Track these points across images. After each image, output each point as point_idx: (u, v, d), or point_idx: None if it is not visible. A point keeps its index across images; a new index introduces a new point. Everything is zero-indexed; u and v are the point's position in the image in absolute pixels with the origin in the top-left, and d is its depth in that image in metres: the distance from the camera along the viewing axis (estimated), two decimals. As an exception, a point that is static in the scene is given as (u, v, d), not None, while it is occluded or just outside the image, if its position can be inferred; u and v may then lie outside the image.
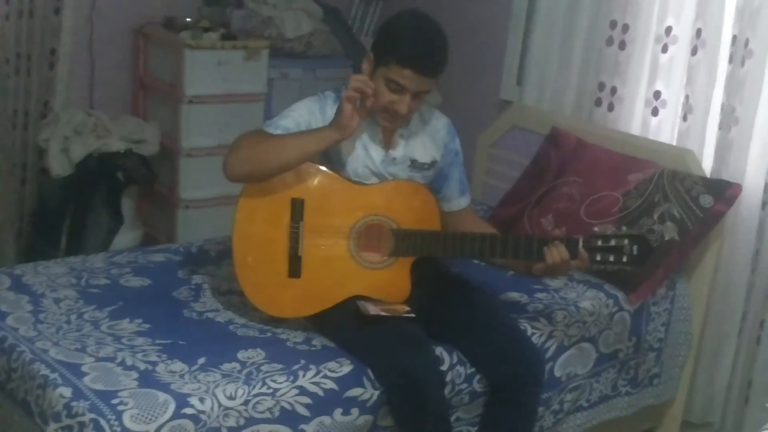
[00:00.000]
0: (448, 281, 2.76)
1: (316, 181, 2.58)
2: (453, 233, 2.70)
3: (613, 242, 2.50)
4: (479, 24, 4.19)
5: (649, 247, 2.53)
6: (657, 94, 3.41)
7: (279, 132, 2.54)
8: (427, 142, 2.72)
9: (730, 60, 3.15)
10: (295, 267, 2.56)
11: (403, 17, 2.63)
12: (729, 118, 3.17)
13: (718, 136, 3.22)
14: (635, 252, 2.49)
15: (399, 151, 2.67)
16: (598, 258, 2.52)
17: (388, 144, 2.66)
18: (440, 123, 2.77)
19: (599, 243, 2.51)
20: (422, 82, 2.52)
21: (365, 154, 2.63)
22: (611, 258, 2.51)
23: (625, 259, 2.50)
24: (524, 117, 3.75)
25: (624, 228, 2.55)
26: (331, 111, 2.58)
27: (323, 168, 2.60)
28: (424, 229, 2.61)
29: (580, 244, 2.51)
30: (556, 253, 2.50)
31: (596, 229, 2.56)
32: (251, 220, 2.56)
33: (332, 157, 2.62)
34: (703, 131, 3.29)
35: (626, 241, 2.50)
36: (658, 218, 3.07)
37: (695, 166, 3.21)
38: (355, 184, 2.61)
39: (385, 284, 2.60)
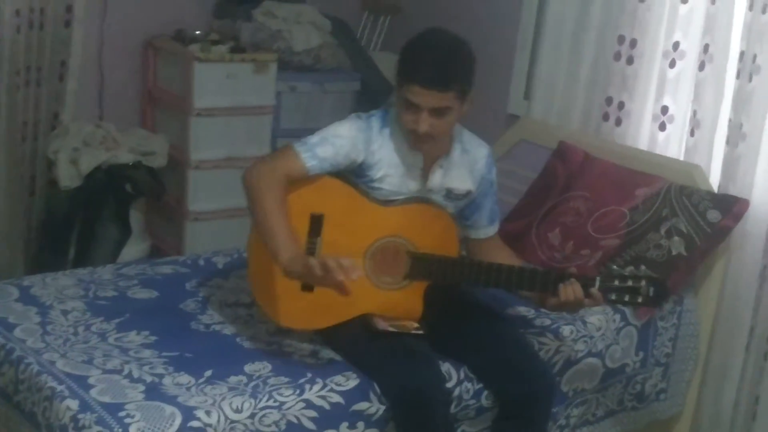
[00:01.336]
0: (459, 300, 2.74)
1: (337, 198, 2.57)
2: (469, 261, 2.69)
3: (630, 282, 2.49)
4: (487, 38, 4.19)
5: (666, 290, 2.53)
6: (664, 109, 3.41)
7: (314, 163, 2.49)
8: (465, 173, 2.69)
9: (738, 75, 3.15)
10: None
11: (418, 36, 2.57)
12: (736, 134, 3.16)
13: (726, 152, 3.22)
14: (651, 293, 2.48)
15: (436, 181, 2.64)
16: (614, 297, 2.51)
17: (426, 174, 2.63)
18: (480, 153, 2.72)
19: (616, 283, 2.50)
20: (434, 97, 2.46)
21: (402, 182, 2.61)
22: (626, 298, 2.50)
23: (640, 299, 2.50)
24: (532, 131, 3.76)
25: (643, 268, 2.53)
26: (376, 143, 2.57)
27: (347, 185, 2.59)
28: (441, 255, 2.59)
29: (597, 284, 2.50)
30: (571, 291, 2.49)
31: (615, 267, 2.55)
32: None
33: (366, 181, 2.59)
34: (710, 146, 3.29)
35: (643, 283, 2.49)
36: (666, 233, 3.06)
37: (703, 181, 3.21)
38: (377, 204, 2.60)
39: (397, 305, 2.59)
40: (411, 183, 2.62)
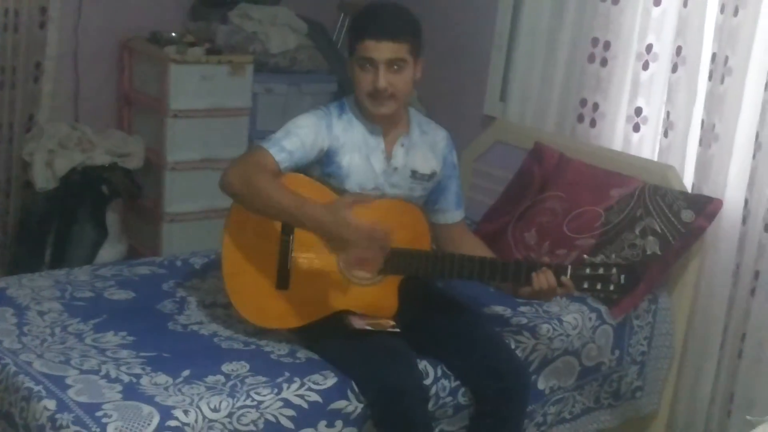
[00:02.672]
0: (435, 297, 2.77)
1: (309, 195, 2.58)
2: (442, 254, 2.71)
3: (601, 270, 2.53)
4: (463, 40, 4.22)
5: (637, 276, 2.56)
6: (638, 111, 3.44)
7: (283, 155, 2.52)
8: (427, 153, 2.74)
9: (710, 77, 3.18)
10: (283, 279, 2.57)
11: (365, 5, 2.70)
12: (709, 135, 3.20)
13: (699, 152, 3.25)
14: (623, 281, 2.52)
15: (399, 160, 2.69)
16: (586, 286, 2.55)
17: (389, 154, 2.68)
18: (439, 135, 2.80)
19: (588, 271, 2.53)
20: (387, 48, 2.54)
21: (367, 165, 2.65)
22: (598, 286, 2.54)
23: (612, 287, 2.53)
24: (507, 132, 3.78)
25: (613, 256, 2.57)
26: (337, 127, 2.62)
27: (317, 184, 2.61)
28: (414, 249, 2.61)
29: (569, 272, 2.53)
30: (544, 279, 2.52)
31: (585, 256, 2.58)
32: (241, 230, 2.57)
33: (333, 171, 2.63)
34: (684, 147, 3.33)
35: (614, 270, 2.52)
36: (640, 233, 3.09)
37: (676, 181, 3.24)
38: None
39: (373, 300, 2.60)
40: (376, 164, 2.66)
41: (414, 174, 2.71)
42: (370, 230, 2.42)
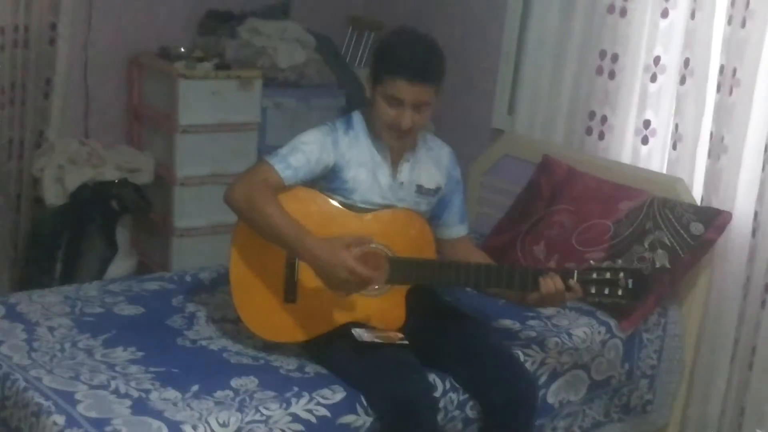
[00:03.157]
0: (442, 309, 2.77)
1: (314, 208, 2.60)
2: (448, 262, 2.71)
3: (608, 275, 2.51)
4: (471, 53, 4.23)
5: (645, 281, 2.54)
6: (647, 123, 3.44)
7: (288, 172, 2.53)
8: (432, 168, 2.75)
9: (718, 89, 3.18)
10: (290, 293, 2.57)
11: (392, 34, 2.70)
12: (718, 147, 3.19)
13: (708, 165, 3.25)
14: (630, 285, 2.50)
15: (405, 175, 2.69)
16: (593, 290, 2.52)
17: (395, 169, 2.68)
18: (444, 151, 2.81)
19: (594, 275, 2.52)
20: (418, 92, 2.53)
21: (373, 180, 2.65)
22: (606, 291, 2.52)
23: (620, 292, 2.51)
24: (516, 146, 3.78)
25: (620, 261, 2.55)
26: (343, 143, 2.62)
27: (322, 195, 2.62)
28: (419, 258, 2.62)
29: (575, 276, 2.52)
30: (551, 283, 2.51)
31: (592, 261, 2.57)
32: (249, 245, 2.57)
33: (338, 186, 2.63)
34: (692, 159, 3.32)
35: (621, 275, 2.50)
36: (649, 246, 3.09)
37: (685, 194, 3.23)
38: (353, 212, 2.63)
39: (380, 312, 2.60)
40: (382, 179, 2.66)
41: (419, 189, 2.71)
42: (366, 276, 2.43)
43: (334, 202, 2.63)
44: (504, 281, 2.60)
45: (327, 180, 2.63)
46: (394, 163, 2.69)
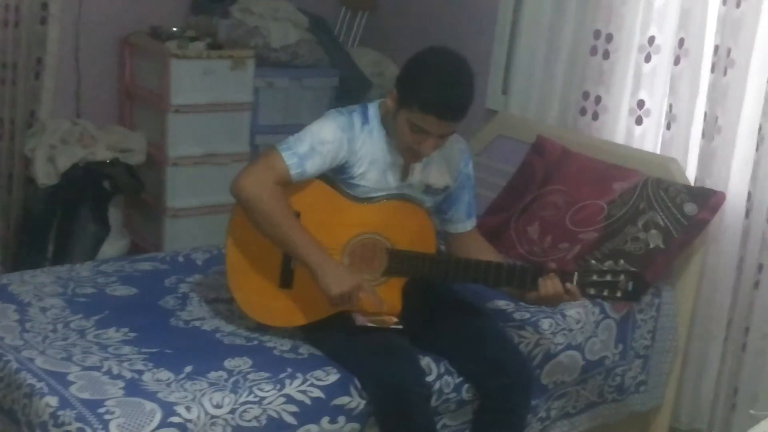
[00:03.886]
0: (438, 293, 2.75)
1: (314, 196, 2.57)
2: (447, 258, 2.70)
3: (609, 277, 2.50)
4: (464, 34, 4.21)
5: (645, 284, 2.54)
6: (641, 104, 3.43)
7: (298, 171, 2.48)
8: (443, 167, 2.68)
9: (713, 69, 3.17)
10: (286, 278, 2.56)
11: (428, 59, 2.51)
12: (712, 127, 3.19)
13: (702, 145, 3.24)
14: (630, 288, 2.49)
15: (416, 176, 2.64)
16: (592, 292, 2.52)
17: (406, 170, 2.63)
18: (456, 148, 2.71)
19: (595, 277, 2.50)
20: (447, 126, 2.47)
21: (382, 178, 2.60)
22: (605, 292, 2.51)
23: (619, 294, 2.50)
24: (509, 126, 3.77)
25: (622, 262, 2.54)
26: (358, 140, 2.55)
27: (323, 183, 2.58)
28: (418, 252, 2.60)
29: (575, 278, 2.51)
30: (551, 285, 2.49)
31: (593, 261, 2.56)
32: (245, 228, 2.55)
33: (345, 178, 2.59)
34: (686, 140, 3.32)
35: (622, 277, 2.49)
36: (643, 226, 3.09)
37: (679, 174, 3.23)
38: (354, 201, 2.60)
39: None
40: (390, 179, 2.62)
41: (428, 188, 2.67)
42: (353, 298, 2.45)
43: (337, 192, 2.59)
44: (503, 280, 2.59)
45: (333, 171, 2.58)
46: (406, 165, 2.62)
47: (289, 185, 2.51)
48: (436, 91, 2.43)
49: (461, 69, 2.50)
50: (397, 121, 2.51)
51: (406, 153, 2.55)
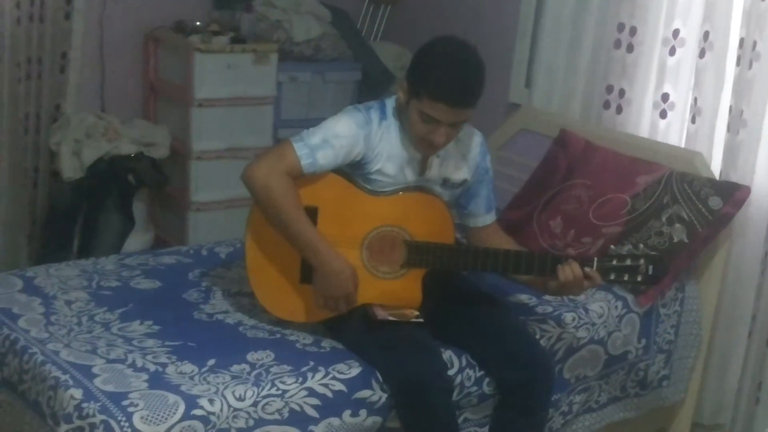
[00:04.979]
0: (459, 287, 2.75)
1: (331, 190, 2.57)
2: (465, 247, 2.70)
3: (629, 261, 2.50)
4: (487, 27, 4.20)
5: (665, 268, 2.53)
6: (665, 97, 3.41)
7: (309, 162, 2.48)
8: (460, 161, 2.67)
9: (738, 62, 3.15)
10: (307, 273, 2.56)
11: (436, 47, 2.50)
12: (737, 121, 3.17)
13: (727, 139, 3.22)
14: (651, 272, 2.49)
15: (434, 171, 2.63)
16: (612, 277, 2.52)
17: (424, 165, 2.62)
18: (473, 141, 2.70)
19: (615, 262, 2.51)
20: (457, 114, 2.45)
21: (399, 173, 2.60)
22: (626, 277, 2.51)
23: (639, 278, 2.50)
24: (533, 120, 3.76)
25: (641, 247, 2.54)
26: (375, 137, 2.55)
27: (340, 177, 2.58)
28: (437, 243, 2.59)
29: (595, 264, 2.51)
30: (569, 271, 2.49)
31: (612, 247, 2.56)
32: (265, 224, 2.55)
33: (361, 173, 2.58)
34: (711, 133, 3.30)
35: (642, 261, 2.49)
36: (667, 220, 3.07)
37: (704, 168, 3.21)
38: (371, 194, 2.60)
39: (397, 294, 2.59)
40: (408, 174, 2.61)
41: (445, 182, 2.66)
42: (348, 294, 2.50)
43: (353, 185, 2.59)
44: (522, 267, 2.58)
45: (350, 167, 2.58)
46: (424, 161, 2.61)
47: (300, 177, 2.50)
48: (444, 78, 2.43)
49: (469, 56, 2.49)
50: (409, 113, 2.50)
51: (420, 144, 2.54)
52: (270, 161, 2.49)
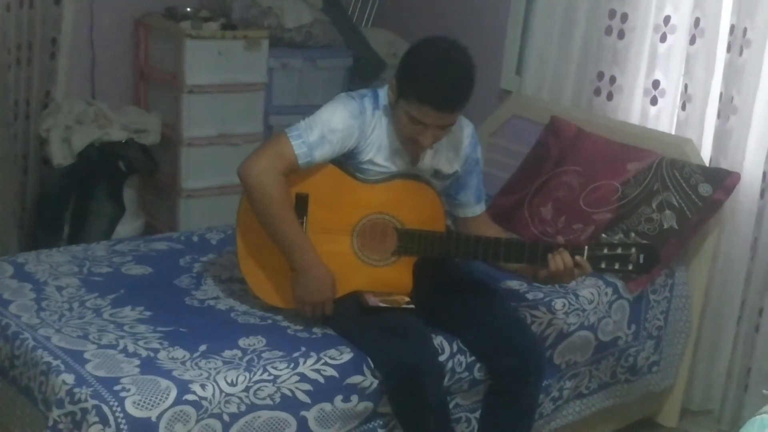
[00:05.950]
0: (450, 274, 2.76)
1: (323, 177, 2.57)
2: (457, 235, 2.70)
3: (619, 250, 2.51)
4: (479, 14, 4.20)
5: (656, 256, 2.54)
6: (656, 84, 3.42)
7: (306, 161, 2.48)
8: (451, 153, 2.67)
9: (729, 49, 3.16)
10: None
11: (426, 49, 2.49)
12: (727, 108, 3.18)
13: (717, 125, 3.23)
14: (641, 261, 2.50)
15: (426, 163, 2.64)
16: (603, 266, 2.53)
17: (415, 158, 2.62)
18: (464, 133, 2.70)
19: (605, 251, 2.52)
20: (445, 118, 2.45)
21: (390, 164, 2.60)
22: (616, 266, 2.52)
23: (630, 267, 2.51)
24: (524, 106, 3.77)
25: (633, 235, 2.54)
26: (368, 127, 2.54)
27: (331, 164, 2.58)
28: (428, 230, 2.60)
29: (585, 252, 2.51)
30: (560, 260, 2.50)
31: (603, 236, 2.56)
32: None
33: (353, 163, 2.58)
34: (701, 120, 3.31)
35: (633, 250, 2.50)
36: (657, 207, 3.08)
37: (694, 155, 3.22)
38: (362, 182, 2.60)
39: (387, 281, 2.60)
40: (399, 164, 2.61)
41: (436, 173, 2.66)
42: (325, 301, 2.50)
43: (345, 173, 2.59)
44: (513, 255, 2.59)
45: (343, 155, 2.57)
46: (414, 154, 2.61)
47: (294, 171, 2.51)
48: (431, 82, 2.42)
49: (458, 59, 2.47)
50: (397, 112, 2.50)
51: (407, 144, 2.54)
52: (268, 160, 2.49)
